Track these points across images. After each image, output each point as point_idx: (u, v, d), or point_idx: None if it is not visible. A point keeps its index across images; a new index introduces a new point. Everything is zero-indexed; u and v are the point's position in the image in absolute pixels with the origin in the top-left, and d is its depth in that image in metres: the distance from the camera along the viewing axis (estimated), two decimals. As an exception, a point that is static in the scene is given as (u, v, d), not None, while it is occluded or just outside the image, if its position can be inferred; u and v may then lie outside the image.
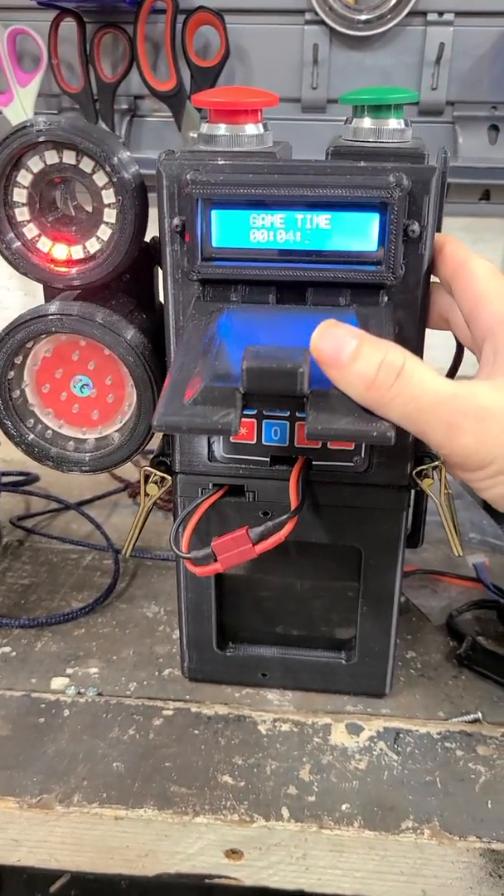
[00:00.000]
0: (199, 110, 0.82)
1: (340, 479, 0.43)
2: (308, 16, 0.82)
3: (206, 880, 0.43)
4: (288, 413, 0.41)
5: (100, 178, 0.40)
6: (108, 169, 0.39)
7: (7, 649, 0.53)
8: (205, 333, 0.37)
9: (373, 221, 0.37)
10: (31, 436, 0.44)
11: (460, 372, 0.47)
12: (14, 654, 0.52)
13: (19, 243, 0.41)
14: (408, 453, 0.42)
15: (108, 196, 0.40)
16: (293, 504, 0.41)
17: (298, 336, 0.33)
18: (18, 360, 0.43)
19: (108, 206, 0.40)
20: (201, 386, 0.33)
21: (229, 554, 0.41)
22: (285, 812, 0.41)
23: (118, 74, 0.85)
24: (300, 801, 0.42)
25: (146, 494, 0.45)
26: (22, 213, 0.41)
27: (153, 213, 0.41)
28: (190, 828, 0.41)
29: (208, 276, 0.39)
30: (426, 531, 0.50)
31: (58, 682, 0.50)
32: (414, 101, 0.41)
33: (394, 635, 0.47)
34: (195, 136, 0.41)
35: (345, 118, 0.42)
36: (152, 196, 0.40)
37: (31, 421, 0.44)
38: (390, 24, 0.81)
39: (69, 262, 0.42)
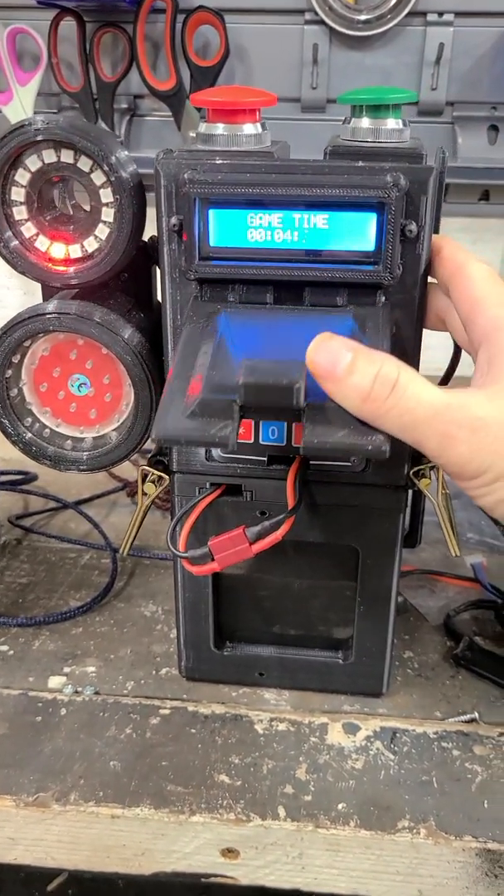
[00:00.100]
0: (199, 110, 0.82)
1: (338, 479, 0.43)
2: (308, 16, 0.82)
3: (203, 879, 0.43)
4: None
5: (98, 177, 0.40)
6: (105, 168, 0.39)
7: (5, 648, 0.53)
8: (201, 339, 0.37)
9: (370, 221, 0.37)
10: (29, 434, 0.44)
11: (458, 372, 0.47)
12: (11, 652, 0.52)
13: (17, 242, 0.41)
14: (405, 453, 0.42)
15: (106, 195, 0.40)
16: (290, 503, 0.41)
17: (295, 343, 0.34)
18: (16, 359, 0.43)
19: (106, 205, 0.40)
20: (199, 398, 0.33)
21: (226, 553, 0.41)
22: (281, 811, 0.41)
23: (118, 74, 0.85)
24: (296, 800, 0.42)
25: (144, 493, 0.45)
26: (20, 212, 0.41)
27: (151, 212, 0.41)
28: (186, 827, 0.41)
29: (206, 276, 0.39)
30: (424, 531, 0.50)
31: (55, 681, 0.50)
32: (412, 101, 0.41)
33: (391, 635, 0.47)
34: (194, 135, 0.41)
35: (343, 118, 0.42)
36: (150, 195, 0.40)
37: (29, 420, 0.44)
38: (390, 25, 0.81)
39: (67, 261, 0.42)
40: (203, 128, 0.40)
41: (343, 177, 0.37)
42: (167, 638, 0.54)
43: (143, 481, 0.45)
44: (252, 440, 0.42)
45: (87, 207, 0.41)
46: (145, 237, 0.43)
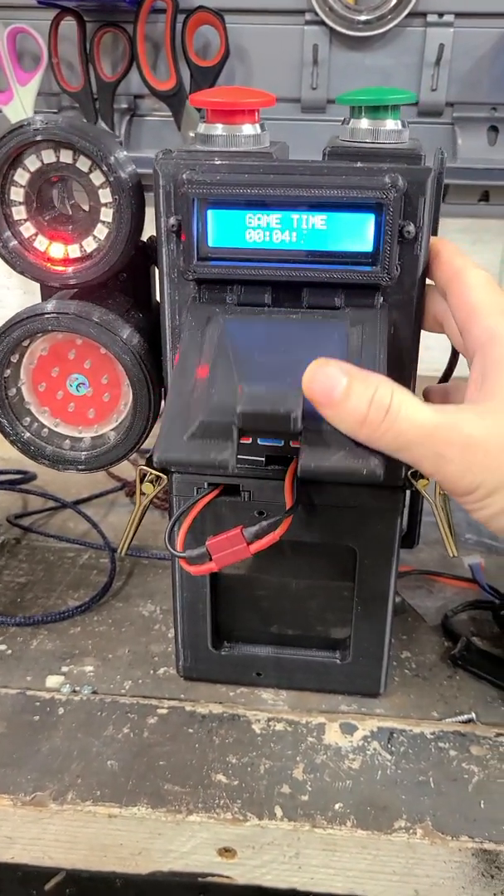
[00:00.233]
0: (199, 110, 0.82)
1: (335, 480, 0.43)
2: (308, 16, 0.82)
3: (200, 879, 0.43)
4: None
5: (97, 178, 0.40)
6: (104, 168, 0.39)
7: (3, 647, 0.53)
8: (200, 352, 0.37)
9: (368, 222, 0.37)
10: (28, 434, 0.44)
11: (457, 372, 0.47)
12: (9, 651, 0.52)
13: (16, 242, 0.41)
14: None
15: (105, 195, 0.40)
16: (288, 504, 0.41)
17: (294, 357, 0.35)
18: (15, 359, 0.43)
19: (105, 205, 0.40)
20: (198, 421, 0.34)
21: (224, 553, 0.41)
22: (278, 811, 0.41)
23: (118, 74, 0.85)
24: (293, 800, 0.42)
25: (142, 493, 0.45)
26: (19, 212, 0.41)
27: (150, 212, 0.41)
28: (183, 826, 0.41)
29: (204, 276, 0.39)
30: (422, 532, 0.50)
31: (53, 681, 0.50)
32: (411, 101, 0.41)
33: (388, 635, 0.47)
34: (193, 135, 0.41)
35: (343, 118, 0.42)
36: (149, 195, 0.40)
37: (28, 419, 0.44)
38: (390, 25, 0.81)
39: (66, 261, 0.42)
40: (202, 128, 0.40)
41: (341, 177, 0.37)
42: (165, 638, 0.54)
43: (142, 481, 0.45)
44: (250, 440, 0.42)
45: (86, 207, 0.41)
46: (144, 237, 0.43)
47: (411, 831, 0.40)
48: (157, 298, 0.42)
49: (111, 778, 0.43)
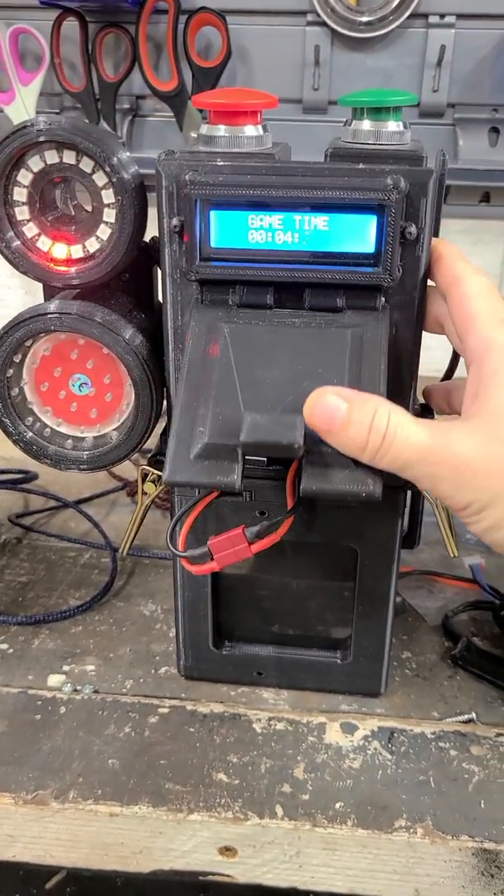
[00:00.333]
0: (201, 111, 0.82)
1: None
2: (310, 17, 0.82)
3: (201, 877, 0.43)
4: None
5: (99, 178, 0.40)
6: (107, 169, 0.39)
7: (4, 646, 0.53)
8: (204, 366, 0.38)
9: (370, 223, 0.37)
10: (30, 434, 0.44)
11: (457, 373, 0.47)
12: (11, 650, 0.53)
13: (19, 242, 0.42)
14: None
15: (108, 196, 0.40)
16: (289, 504, 0.41)
17: (297, 372, 0.37)
18: (17, 359, 0.43)
19: (108, 205, 0.40)
20: (203, 444, 0.36)
21: (225, 553, 0.41)
22: (279, 810, 0.42)
23: (120, 74, 0.85)
24: (294, 799, 0.42)
25: (143, 493, 0.45)
26: (22, 212, 0.41)
27: (152, 213, 0.41)
28: (184, 825, 0.41)
29: (206, 277, 0.39)
30: (423, 532, 0.50)
31: (54, 680, 0.50)
32: (413, 103, 0.41)
33: (389, 635, 0.47)
34: (195, 136, 0.41)
35: (344, 119, 0.42)
36: (152, 196, 0.40)
37: (30, 419, 0.44)
38: (392, 26, 0.81)
39: (68, 262, 0.42)
40: (204, 129, 0.40)
41: (343, 179, 0.37)
42: (166, 637, 0.54)
43: (143, 481, 0.45)
44: None
45: (89, 208, 0.41)
46: (147, 238, 0.43)
47: (412, 831, 0.41)
48: (160, 299, 0.42)
49: (112, 777, 0.43)
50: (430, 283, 0.40)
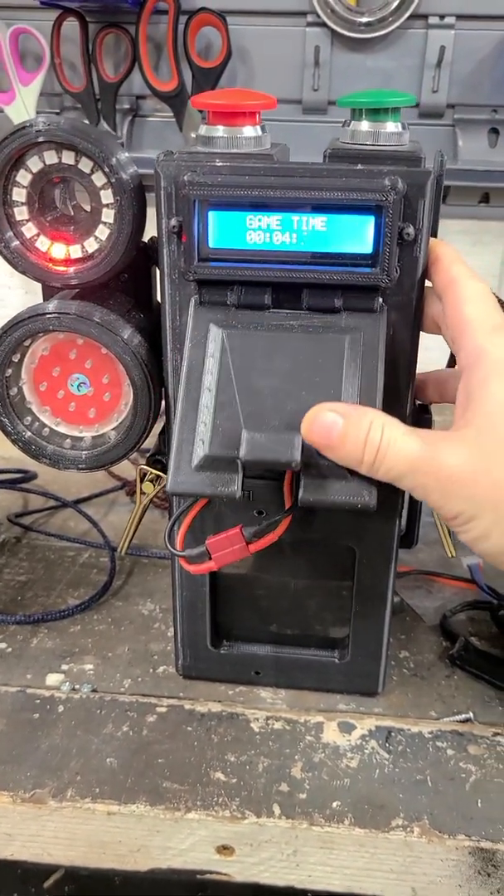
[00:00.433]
0: (200, 112, 0.82)
1: None
2: (310, 18, 0.82)
3: (198, 876, 0.43)
4: None
5: (98, 179, 0.40)
6: (106, 169, 0.39)
7: (3, 645, 0.53)
8: (203, 372, 0.38)
9: (368, 224, 0.37)
10: (28, 433, 0.44)
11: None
12: (10, 650, 0.53)
13: (18, 242, 0.42)
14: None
15: (107, 196, 0.40)
16: (287, 503, 0.41)
17: (295, 381, 0.37)
18: (16, 358, 0.43)
19: (107, 206, 0.40)
20: (204, 455, 0.37)
21: (223, 552, 0.41)
22: (276, 809, 0.42)
23: (120, 74, 0.85)
24: (291, 798, 0.42)
25: (142, 493, 0.45)
26: (21, 213, 0.41)
27: (151, 213, 0.41)
28: (182, 824, 0.41)
29: (205, 277, 0.39)
30: (421, 532, 0.50)
31: (53, 679, 0.50)
32: (411, 104, 0.41)
33: (387, 635, 0.47)
34: (194, 137, 0.41)
35: (343, 120, 0.42)
36: (151, 196, 0.41)
37: (29, 419, 0.45)
38: (392, 27, 0.81)
39: (67, 262, 0.42)
40: (203, 130, 0.41)
41: (341, 180, 0.37)
42: (165, 636, 0.54)
43: (142, 480, 0.45)
44: None
45: (88, 208, 0.41)
46: (145, 238, 0.43)
47: (409, 830, 0.41)
48: (158, 299, 0.42)
49: (110, 775, 0.43)
50: (427, 283, 0.40)
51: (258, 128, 0.41)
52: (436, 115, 0.85)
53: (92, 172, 0.40)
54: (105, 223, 0.41)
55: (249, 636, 0.50)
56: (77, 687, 0.49)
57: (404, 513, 0.47)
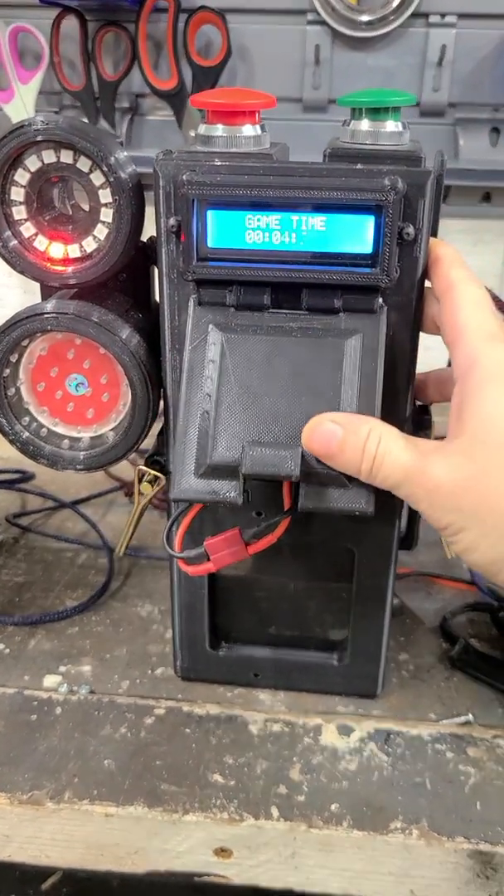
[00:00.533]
0: (200, 110, 0.82)
1: None
2: (310, 16, 0.82)
3: (196, 878, 0.43)
4: None
5: (97, 178, 0.40)
6: (105, 169, 0.39)
7: (0, 646, 0.53)
8: (203, 382, 0.38)
9: (368, 224, 0.37)
10: (26, 434, 0.44)
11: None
12: (7, 651, 0.52)
13: (16, 241, 0.41)
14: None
15: (105, 195, 0.40)
16: (286, 505, 0.41)
17: (295, 387, 0.38)
18: (14, 358, 0.43)
19: (105, 205, 0.40)
20: (206, 465, 0.38)
21: (222, 554, 0.41)
22: (275, 811, 0.41)
23: (119, 73, 0.85)
24: (290, 800, 0.42)
25: (140, 493, 0.45)
26: (19, 212, 0.41)
27: (150, 212, 0.41)
28: (179, 826, 0.41)
29: (203, 277, 0.39)
30: (421, 533, 0.50)
31: (50, 680, 0.50)
32: (411, 103, 0.41)
33: (386, 637, 0.47)
34: (194, 136, 0.41)
35: (344, 119, 0.42)
36: (149, 196, 0.40)
37: (27, 419, 0.44)
38: (392, 26, 0.81)
39: (66, 261, 0.42)
40: (202, 129, 0.40)
41: (341, 179, 0.37)
42: (163, 638, 0.54)
43: (140, 481, 0.45)
44: None
45: (86, 207, 0.41)
46: (144, 238, 0.43)
47: (407, 832, 0.40)
48: (157, 299, 0.42)
49: (108, 777, 0.43)
50: (427, 284, 0.40)
51: (258, 127, 0.40)
52: (437, 114, 0.85)
53: (90, 171, 0.40)
54: (103, 222, 0.41)
55: (248, 638, 0.50)
56: (75, 689, 0.49)
57: (404, 514, 0.46)
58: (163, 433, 0.45)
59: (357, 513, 0.38)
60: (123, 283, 0.45)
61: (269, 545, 0.41)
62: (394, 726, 0.47)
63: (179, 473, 0.38)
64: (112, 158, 0.39)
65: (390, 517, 0.44)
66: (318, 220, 0.38)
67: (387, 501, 0.43)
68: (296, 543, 0.45)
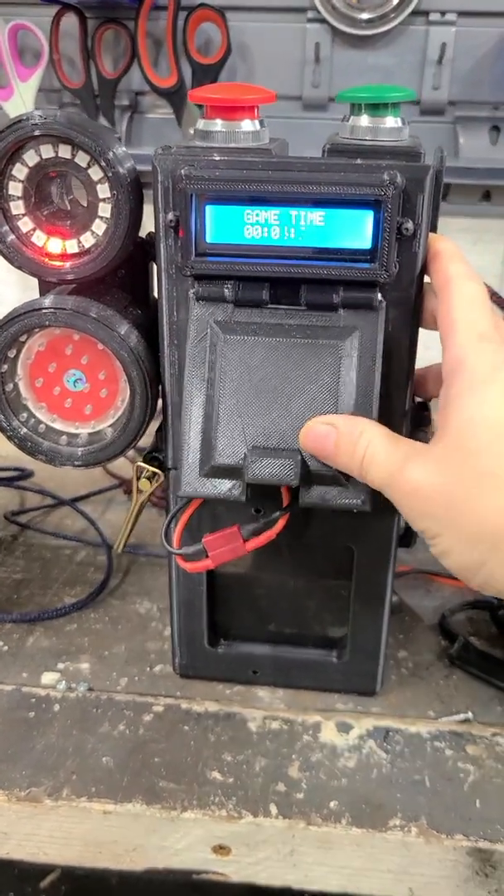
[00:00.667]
0: (199, 106, 0.82)
1: None
2: (310, 14, 0.82)
3: (194, 876, 0.43)
4: None
5: (95, 173, 0.40)
6: (103, 163, 0.39)
7: (-1, 643, 0.53)
8: (206, 383, 0.39)
9: (367, 219, 0.37)
10: (24, 430, 0.44)
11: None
12: (6, 648, 0.52)
13: (14, 237, 0.41)
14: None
15: (104, 190, 0.40)
16: (285, 501, 0.41)
17: (294, 389, 0.38)
18: (12, 354, 0.43)
19: (104, 200, 0.40)
20: (210, 465, 0.39)
21: (220, 550, 0.41)
22: (273, 808, 0.41)
23: (119, 70, 0.84)
24: (288, 797, 0.42)
25: (139, 490, 0.45)
26: (17, 207, 0.41)
27: (149, 209, 0.41)
28: (178, 823, 0.41)
29: (202, 272, 0.39)
30: (420, 531, 0.50)
31: (48, 677, 0.50)
32: (411, 99, 0.41)
33: (385, 634, 0.47)
34: (193, 131, 0.41)
35: (343, 116, 0.42)
36: (149, 192, 0.40)
37: (24, 415, 0.44)
38: (392, 24, 0.81)
39: (63, 256, 0.42)
40: (201, 124, 0.40)
41: (340, 174, 0.36)
42: (161, 635, 0.54)
43: (138, 478, 0.45)
44: None
45: (85, 203, 0.41)
46: (143, 234, 0.43)
47: (406, 830, 0.40)
48: (156, 295, 0.42)
49: (106, 775, 0.43)
50: (427, 279, 0.40)
51: (256, 122, 0.40)
52: (437, 113, 0.84)
53: (89, 166, 0.40)
54: (102, 218, 0.40)
55: (247, 635, 0.50)
56: (73, 686, 0.49)
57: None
58: (161, 429, 0.45)
59: (355, 509, 0.38)
60: (122, 280, 0.45)
61: (268, 542, 0.40)
62: (393, 724, 0.47)
63: (187, 473, 0.39)
64: (110, 153, 0.39)
65: (389, 515, 0.44)
66: (316, 215, 0.37)
67: (386, 499, 0.43)
68: (295, 541, 0.45)
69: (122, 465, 0.73)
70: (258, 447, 0.38)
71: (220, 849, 0.42)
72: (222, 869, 0.42)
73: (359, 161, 0.37)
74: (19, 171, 0.40)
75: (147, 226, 0.42)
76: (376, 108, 0.40)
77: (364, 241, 0.38)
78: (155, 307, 0.42)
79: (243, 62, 0.84)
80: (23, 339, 0.42)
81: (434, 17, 0.81)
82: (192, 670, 0.50)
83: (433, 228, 0.40)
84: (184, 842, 0.42)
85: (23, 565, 0.61)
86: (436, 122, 0.85)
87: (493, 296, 0.65)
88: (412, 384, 0.42)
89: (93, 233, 0.41)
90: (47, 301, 0.41)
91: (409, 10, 0.80)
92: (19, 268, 0.42)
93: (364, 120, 0.40)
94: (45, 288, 0.44)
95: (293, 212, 0.37)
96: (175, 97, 0.83)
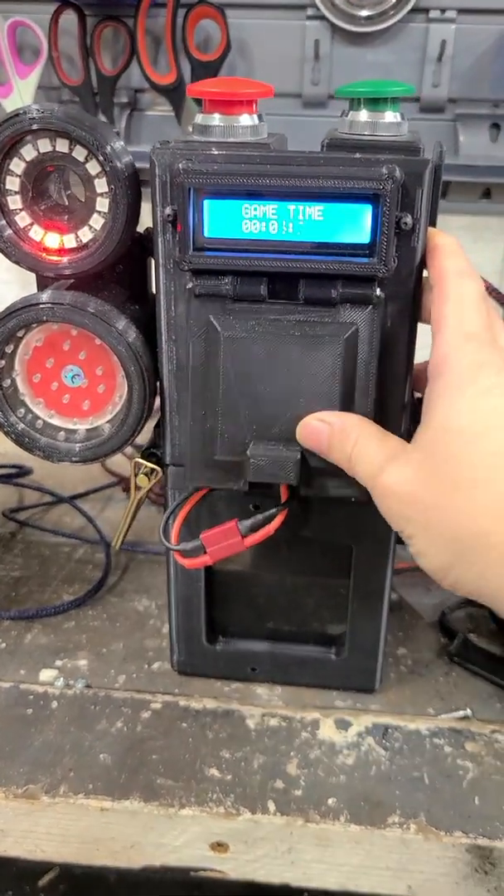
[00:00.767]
0: (197, 102, 0.82)
1: None
2: (310, 11, 0.82)
3: (192, 873, 0.43)
4: None
5: (93, 167, 0.39)
6: (101, 158, 0.39)
7: (-3, 640, 0.53)
8: (207, 379, 0.40)
9: (365, 213, 0.37)
10: (22, 426, 0.44)
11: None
12: (3, 645, 0.52)
13: (11, 231, 0.41)
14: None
15: (101, 185, 0.40)
16: (283, 497, 0.41)
17: (294, 387, 0.39)
18: (9, 349, 0.42)
19: (101, 195, 0.40)
20: (214, 458, 0.40)
21: (219, 546, 0.41)
22: (271, 805, 0.41)
23: (118, 68, 0.84)
24: (287, 794, 0.42)
25: (137, 487, 0.45)
26: (14, 202, 0.41)
27: (147, 205, 0.41)
28: (176, 820, 0.41)
29: (200, 267, 0.39)
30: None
31: (46, 674, 0.50)
32: (410, 94, 0.41)
33: (384, 631, 0.47)
34: (191, 127, 0.41)
35: (341, 112, 0.42)
36: (147, 192, 0.40)
37: (22, 411, 0.44)
38: (392, 21, 0.80)
39: (61, 251, 0.41)
40: (199, 118, 0.40)
41: (338, 168, 0.36)
42: (160, 633, 0.54)
43: (136, 474, 0.44)
44: None
45: (83, 197, 0.41)
46: (140, 229, 0.43)
47: (405, 827, 0.40)
48: (154, 290, 0.42)
49: (104, 771, 0.43)
50: (425, 273, 0.40)
51: (255, 116, 0.40)
52: (436, 110, 0.84)
53: (86, 161, 0.40)
54: (99, 212, 0.40)
55: (245, 632, 0.49)
56: (71, 683, 0.49)
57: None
58: (159, 425, 0.45)
59: (353, 500, 0.39)
60: (120, 275, 0.45)
61: (266, 537, 0.40)
62: (392, 721, 0.47)
63: (192, 464, 0.42)
64: (108, 147, 0.39)
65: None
66: (315, 210, 0.37)
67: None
68: (293, 538, 0.44)
69: (120, 464, 0.73)
70: (258, 444, 0.39)
71: (218, 846, 0.41)
72: (220, 866, 0.42)
73: (357, 155, 0.37)
74: (17, 166, 0.40)
75: (145, 222, 0.42)
76: (375, 102, 0.40)
77: (363, 235, 0.37)
78: (153, 302, 0.42)
79: (243, 59, 0.84)
80: (20, 334, 0.42)
81: (434, 14, 0.81)
82: (191, 667, 0.50)
83: (432, 223, 0.40)
84: (182, 839, 0.41)
85: (21, 562, 0.61)
86: (436, 120, 0.85)
87: (493, 292, 0.65)
88: (411, 379, 0.41)
89: (90, 228, 0.41)
90: (45, 296, 0.41)
91: (409, 7, 0.80)
92: (17, 263, 0.42)
93: (363, 115, 0.40)
94: (42, 283, 0.44)
95: (291, 206, 0.37)
96: (174, 94, 0.83)
